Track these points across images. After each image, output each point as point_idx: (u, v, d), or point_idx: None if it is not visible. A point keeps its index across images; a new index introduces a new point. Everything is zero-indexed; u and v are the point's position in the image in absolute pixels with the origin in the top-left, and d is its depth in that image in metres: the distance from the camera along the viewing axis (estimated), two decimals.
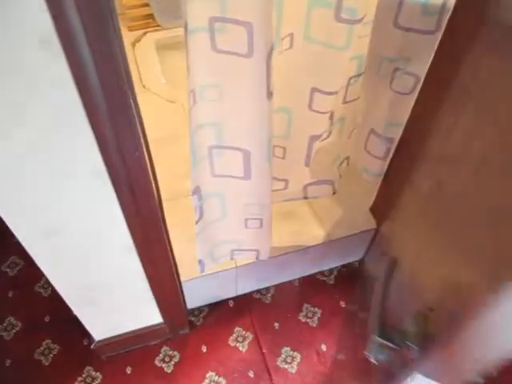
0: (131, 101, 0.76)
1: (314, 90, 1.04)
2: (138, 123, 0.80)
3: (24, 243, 0.90)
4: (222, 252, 1.28)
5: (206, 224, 1.14)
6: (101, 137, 0.77)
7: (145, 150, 0.86)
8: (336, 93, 1.07)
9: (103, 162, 0.81)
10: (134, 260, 1.06)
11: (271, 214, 1.14)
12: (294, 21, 0.91)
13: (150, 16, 2.07)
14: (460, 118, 1.00)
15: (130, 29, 2.10)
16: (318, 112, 1.09)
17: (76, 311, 1.16)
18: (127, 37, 2.08)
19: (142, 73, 1.95)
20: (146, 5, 2.03)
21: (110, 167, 0.82)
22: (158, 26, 2.09)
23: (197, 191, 1.04)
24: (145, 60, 2.00)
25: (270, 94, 0.85)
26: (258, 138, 0.95)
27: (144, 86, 1.90)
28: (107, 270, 1.08)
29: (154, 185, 0.95)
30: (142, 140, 0.84)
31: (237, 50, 0.78)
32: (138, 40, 2.08)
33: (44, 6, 0.58)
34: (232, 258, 1.31)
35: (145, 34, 2.10)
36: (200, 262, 1.24)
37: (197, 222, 1.10)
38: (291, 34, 0.94)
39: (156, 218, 1.01)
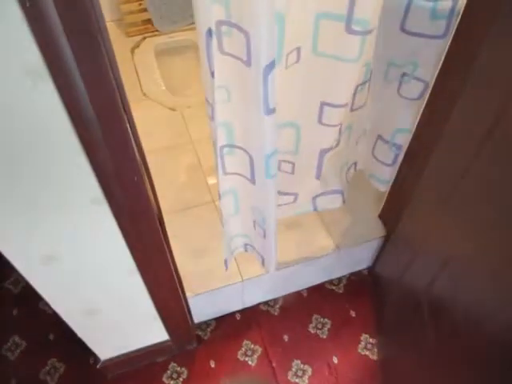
0: (127, 124, 0.73)
1: (323, 103, 1.00)
2: (134, 145, 0.76)
3: (22, 272, 0.87)
4: (236, 244, 1.27)
5: (225, 221, 1.14)
6: (97, 163, 0.73)
7: (144, 171, 0.83)
8: (347, 104, 1.03)
9: (101, 189, 0.77)
10: (137, 282, 1.03)
11: (275, 230, 1.10)
12: (301, 35, 0.87)
13: (149, 21, 2.03)
14: (471, 123, 0.96)
15: (129, 34, 2.07)
16: (328, 125, 1.05)
17: (79, 333, 1.13)
18: (127, 43, 2.05)
19: (142, 80, 1.92)
20: (145, 10, 2.00)
21: (108, 193, 0.79)
22: (157, 31, 2.05)
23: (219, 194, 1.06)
24: (144, 66, 1.97)
25: (269, 111, 0.81)
26: (257, 151, 0.92)
27: (144, 94, 1.87)
28: (110, 294, 1.05)
29: (154, 204, 0.91)
30: (140, 161, 0.81)
31: (239, 55, 0.76)
32: (137, 46, 2.05)
33: (30, 36, 0.54)
34: (246, 251, 1.31)
35: (144, 39, 2.07)
36: (225, 261, 1.25)
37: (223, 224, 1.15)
38: (298, 48, 0.89)
39: (158, 239, 0.97)
